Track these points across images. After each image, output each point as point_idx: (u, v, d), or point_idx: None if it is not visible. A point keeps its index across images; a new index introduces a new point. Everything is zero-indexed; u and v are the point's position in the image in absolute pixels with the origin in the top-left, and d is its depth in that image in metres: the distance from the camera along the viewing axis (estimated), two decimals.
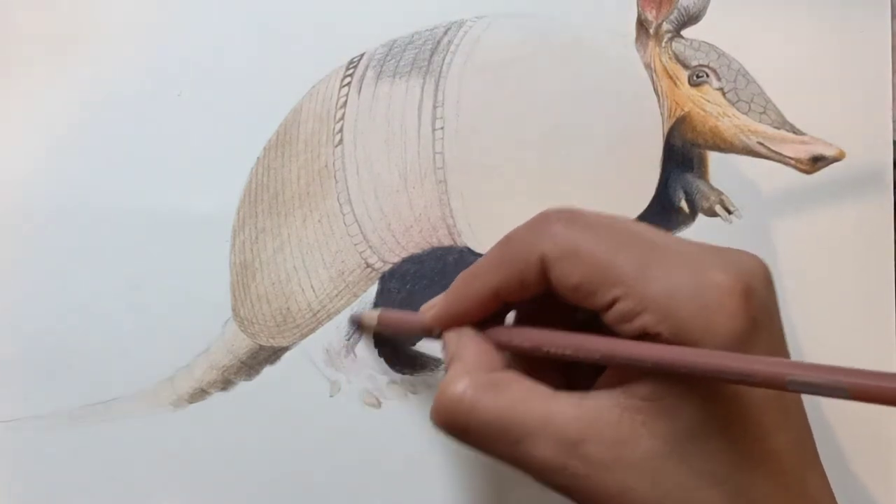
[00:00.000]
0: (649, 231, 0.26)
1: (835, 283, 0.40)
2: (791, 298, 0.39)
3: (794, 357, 0.26)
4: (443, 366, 0.35)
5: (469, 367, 0.27)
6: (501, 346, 0.29)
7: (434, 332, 0.31)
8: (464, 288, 0.29)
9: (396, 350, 0.39)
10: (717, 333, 0.23)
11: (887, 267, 0.40)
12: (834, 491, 0.26)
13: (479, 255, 0.39)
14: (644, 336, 0.24)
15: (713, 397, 0.24)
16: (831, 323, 0.40)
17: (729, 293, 0.23)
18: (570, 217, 0.26)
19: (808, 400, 0.26)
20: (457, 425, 0.26)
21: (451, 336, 0.29)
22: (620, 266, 0.24)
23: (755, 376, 0.22)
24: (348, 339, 0.38)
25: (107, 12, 0.39)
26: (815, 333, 0.40)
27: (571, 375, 0.30)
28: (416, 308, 0.38)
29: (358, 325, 0.38)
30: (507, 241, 0.28)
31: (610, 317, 0.25)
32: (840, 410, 0.39)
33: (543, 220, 0.26)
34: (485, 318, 0.29)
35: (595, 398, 0.25)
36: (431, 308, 0.31)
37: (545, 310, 0.28)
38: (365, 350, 0.39)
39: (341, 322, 0.39)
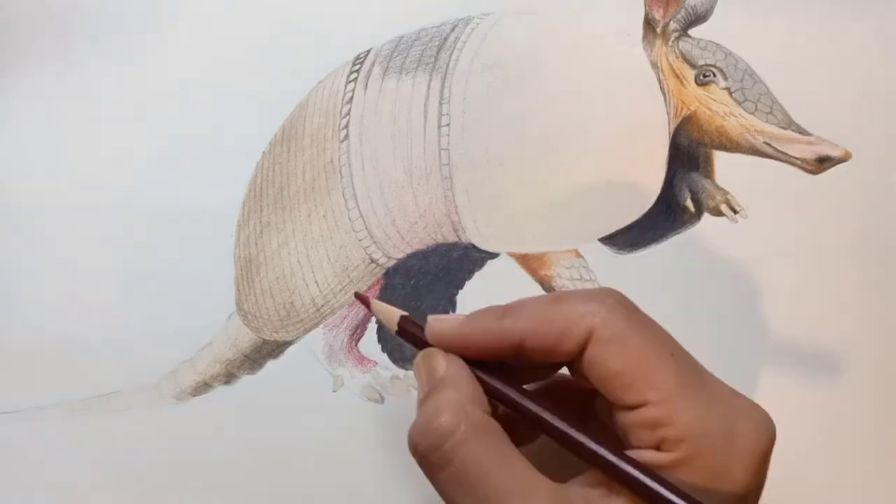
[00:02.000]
0: (690, 356, 0.25)
1: (840, 282, 0.40)
2: (796, 298, 0.39)
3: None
4: None
5: (464, 400, 0.25)
6: (494, 396, 0.26)
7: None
8: (491, 322, 0.26)
9: (400, 345, 0.39)
10: (729, 479, 0.23)
11: (893, 264, 0.40)
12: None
13: (484, 251, 0.39)
14: (658, 448, 0.23)
15: None
16: (836, 322, 0.40)
17: (756, 450, 0.24)
18: (632, 306, 0.25)
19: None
20: (439, 457, 0.24)
21: (443, 360, 0.27)
22: (666, 372, 0.24)
23: None
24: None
25: (113, 6, 0.39)
26: (820, 332, 0.40)
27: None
28: (419, 305, 0.38)
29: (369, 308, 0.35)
30: (561, 299, 0.26)
31: (631, 418, 0.24)
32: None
33: (605, 297, 0.25)
34: (486, 361, 0.27)
35: (573, 495, 0.24)
36: (441, 322, 0.27)
37: (519, 368, 0.27)
38: (368, 345, 0.39)
39: (346, 315, 0.39)
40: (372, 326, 0.39)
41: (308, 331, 0.39)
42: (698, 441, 0.23)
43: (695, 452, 0.23)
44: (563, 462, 0.25)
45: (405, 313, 0.29)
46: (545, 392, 0.29)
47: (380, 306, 0.29)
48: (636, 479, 0.23)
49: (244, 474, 0.37)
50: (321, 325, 0.39)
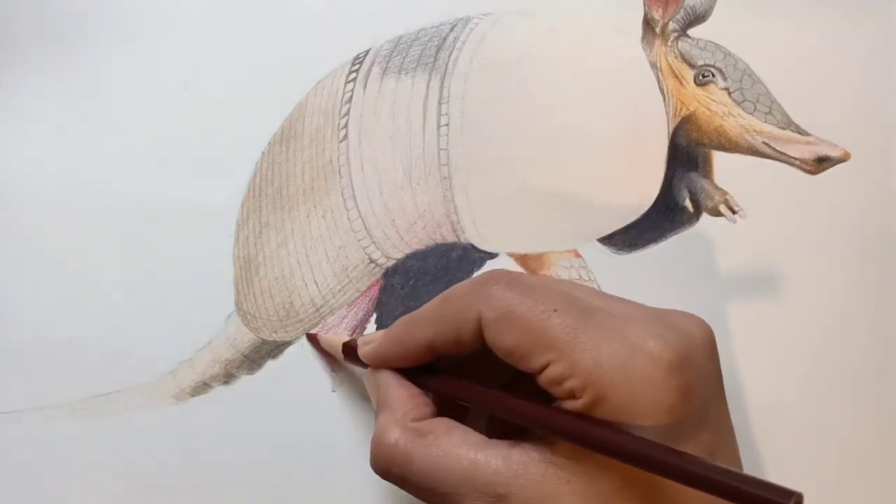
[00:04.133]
0: (590, 295, 0.26)
1: (839, 283, 0.40)
2: (794, 299, 0.39)
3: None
4: None
5: (398, 415, 0.27)
6: (430, 391, 0.29)
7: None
8: (401, 334, 0.29)
9: None
10: (640, 405, 0.23)
11: (892, 264, 0.40)
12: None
13: (483, 252, 0.39)
14: (571, 399, 0.24)
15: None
16: (835, 322, 0.40)
17: (657, 363, 0.23)
18: (509, 280, 0.26)
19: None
20: (394, 475, 0.27)
21: (375, 380, 0.30)
22: (553, 331, 0.24)
23: (657, 465, 0.22)
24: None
25: (112, 7, 0.39)
26: (819, 334, 0.40)
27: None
28: (418, 304, 0.39)
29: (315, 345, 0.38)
30: (448, 297, 0.28)
31: (542, 380, 0.25)
32: None
33: (484, 282, 0.27)
34: (418, 366, 0.29)
35: (523, 451, 0.25)
36: (367, 344, 0.31)
37: (484, 361, 0.28)
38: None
39: (346, 315, 0.39)
40: (371, 327, 0.39)
41: (307, 331, 0.39)
42: (599, 382, 0.24)
43: (599, 394, 0.24)
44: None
45: (346, 339, 0.33)
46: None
47: (324, 339, 0.34)
48: (557, 424, 0.24)
49: (243, 474, 0.37)
50: (320, 325, 0.39)
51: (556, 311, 0.25)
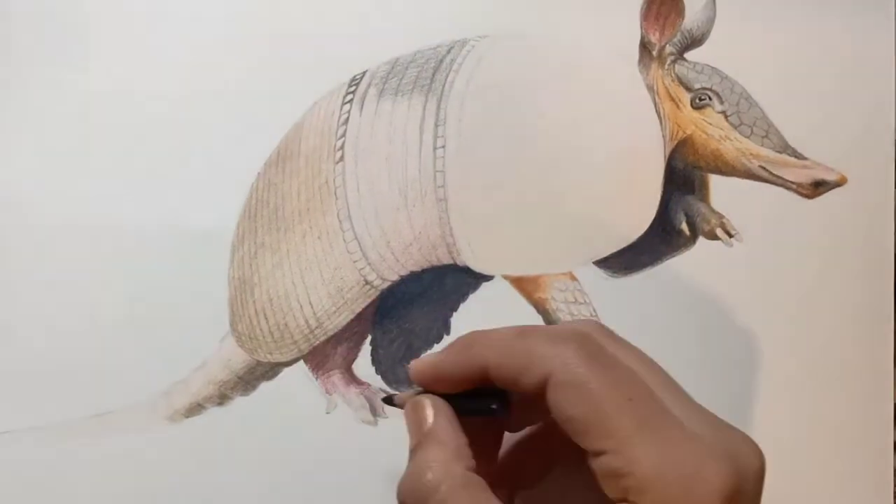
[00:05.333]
0: (667, 392, 0.25)
1: (836, 306, 0.40)
2: (791, 321, 0.39)
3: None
4: None
5: (448, 456, 0.26)
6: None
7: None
8: (462, 350, 0.27)
9: (394, 367, 0.39)
10: None
11: (887, 290, 0.40)
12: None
13: (479, 274, 0.39)
14: (625, 500, 0.23)
15: None
16: (831, 345, 0.40)
17: (715, 493, 0.22)
18: (595, 349, 0.25)
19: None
20: None
21: (430, 411, 0.27)
22: (622, 420, 0.23)
23: None
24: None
25: (111, 25, 0.39)
26: (815, 355, 0.40)
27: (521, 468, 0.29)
28: (413, 327, 0.39)
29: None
30: (526, 333, 0.26)
31: (595, 465, 0.24)
32: None
33: (568, 338, 0.25)
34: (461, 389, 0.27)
35: None
36: (420, 361, 0.28)
37: (535, 407, 0.27)
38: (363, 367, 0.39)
39: (340, 339, 0.39)
40: (366, 348, 0.39)
41: (302, 352, 0.39)
42: (658, 491, 0.23)
43: (658, 502, 0.23)
44: None
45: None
46: (540, 433, 0.29)
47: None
48: None
49: (236, 496, 0.37)
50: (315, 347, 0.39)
51: (631, 400, 0.24)
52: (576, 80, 0.40)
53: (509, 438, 0.29)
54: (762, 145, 0.39)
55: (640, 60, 0.40)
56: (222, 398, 0.38)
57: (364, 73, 0.40)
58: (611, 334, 0.26)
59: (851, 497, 0.39)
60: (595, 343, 0.25)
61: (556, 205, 0.39)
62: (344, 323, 0.39)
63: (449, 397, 0.27)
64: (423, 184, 0.39)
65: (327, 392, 0.38)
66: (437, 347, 0.39)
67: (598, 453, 0.24)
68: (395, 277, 0.39)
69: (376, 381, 0.39)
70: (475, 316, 0.39)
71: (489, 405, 0.27)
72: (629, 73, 0.40)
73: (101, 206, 0.38)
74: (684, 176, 0.40)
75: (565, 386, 0.24)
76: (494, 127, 0.39)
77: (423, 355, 0.29)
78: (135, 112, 0.39)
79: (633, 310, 0.39)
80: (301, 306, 0.38)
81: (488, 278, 0.39)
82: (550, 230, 0.39)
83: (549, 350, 0.25)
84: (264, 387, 0.38)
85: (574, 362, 0.24)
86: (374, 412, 0.38)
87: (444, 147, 0.39)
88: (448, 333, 0.39)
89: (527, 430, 0.29)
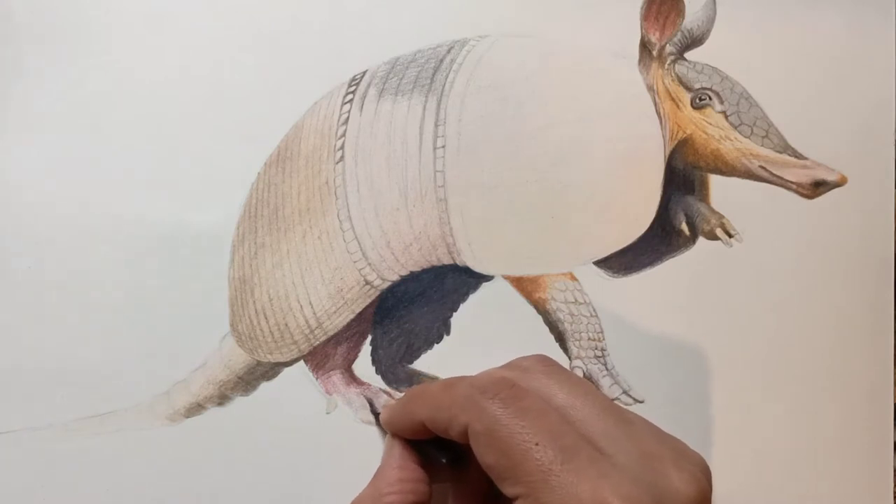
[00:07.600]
0: (589, 423, 0.25)
1: (836, 306, 0.40)
2: (791, 322, 0.39)
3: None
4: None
5: (376, 494, 0.28)
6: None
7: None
8: (403, 407, 0.30)
9: (394, 367, 0.39)
10: None
11: (887, 290, 0.40)
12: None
13: (479, 274, 0.39)
14: None
15: None
16: (831, 346, 0.40)
17: None
18: (511, 394, 0.25)
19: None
20: None
21: (387, 446, 0.31)
22: (528, 465, 0.24)
23: None
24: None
25: (110, 26, 0.39)
26: (815, 356, 0.40)
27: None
28: (413, 327, 0.39)
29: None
30: (449, 386, 0.27)
31: None
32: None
33: (484, 389, 0.26)
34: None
35: None
36: (385, 408, 0.32)
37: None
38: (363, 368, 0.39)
39: (340, 339, 0.39)
40: (366, 348, 0.39)
41: (302, 352, 0.39)
42: None
43: None
44: None
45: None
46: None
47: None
48: None
49: (236, 496, 0.37)
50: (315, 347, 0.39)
51: (537, 444, 0.24)
52: (575, 80, 0.40)
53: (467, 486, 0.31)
54: (762, 145, 0.39)
55: (640, 60, 0.40)
56: (222, 398, 0.38)
57: (364, 72, 0.40)
58: (546, 370, 0.27)
59: (851, 497, 0.39)
60: (513, 389, 0.26)
61: (556, 205, 0.39)
62: (344, 323, 0.39)
63: (417, 442, 0.30)
64: (423, 184, 0.39)
65: (327, 392, 0.38)
66: (437, 347, 0.39)
67: (515, 498, 0.24)
68: (395, 277, 0.39)
69: (376, 381, 0.39)
70: (475, 316, 0.39)
71: (440, 457, 0.30)
72: (629, 73, 0.40)
73: (101, 206, 0.38)
74: (684, 176, 0.40)
75: (479, 435, 0.25)
76: (494, 127, 0.39)
77: (388, 403, 0.33)
78: (135, 112, 0.39)
79: (633, 310, 0.39)
80: (301, 306, 0.38)
81: (488, 278, 0.39)
82: (550, 230, 0.39)
83: (466, 401, 0.26)
84: (264, 387, 0.38)
85: (486, 412, 0.25)
86: (375, 412, 0.38)
87: (444, 147, 0.39)
88: (448, 333, 0.39)
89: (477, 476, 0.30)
